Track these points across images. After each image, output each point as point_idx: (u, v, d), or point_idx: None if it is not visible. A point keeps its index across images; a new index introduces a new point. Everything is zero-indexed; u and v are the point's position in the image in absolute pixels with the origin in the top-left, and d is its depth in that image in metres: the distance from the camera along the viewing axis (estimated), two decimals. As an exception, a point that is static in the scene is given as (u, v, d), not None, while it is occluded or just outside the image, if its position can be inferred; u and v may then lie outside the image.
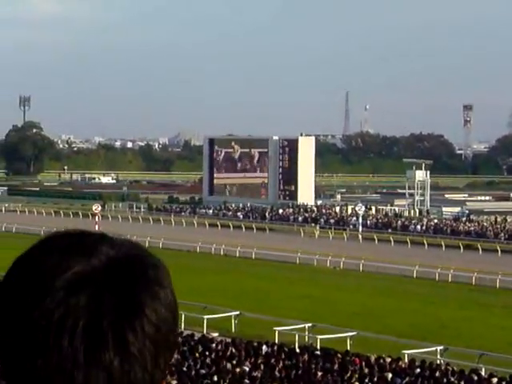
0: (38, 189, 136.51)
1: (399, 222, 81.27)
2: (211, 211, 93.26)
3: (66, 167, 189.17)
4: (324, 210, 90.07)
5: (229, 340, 26.74)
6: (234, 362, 23.17)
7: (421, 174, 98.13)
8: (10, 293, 1.20)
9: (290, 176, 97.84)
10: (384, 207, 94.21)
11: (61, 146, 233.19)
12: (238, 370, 22.12)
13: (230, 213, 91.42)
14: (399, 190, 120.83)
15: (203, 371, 21.79)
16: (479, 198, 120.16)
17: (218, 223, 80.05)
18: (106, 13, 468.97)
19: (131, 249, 1.25)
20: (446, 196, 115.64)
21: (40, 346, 1.17)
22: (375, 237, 70.82)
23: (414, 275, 50.00)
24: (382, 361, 23.95)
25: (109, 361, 1.16)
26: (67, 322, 1.16)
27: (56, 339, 1.16)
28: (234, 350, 24.82)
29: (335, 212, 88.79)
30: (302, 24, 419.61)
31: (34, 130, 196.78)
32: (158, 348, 1.20)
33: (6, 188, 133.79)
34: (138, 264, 1.23)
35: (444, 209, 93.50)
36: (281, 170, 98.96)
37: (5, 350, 1.20)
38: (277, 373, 22.23)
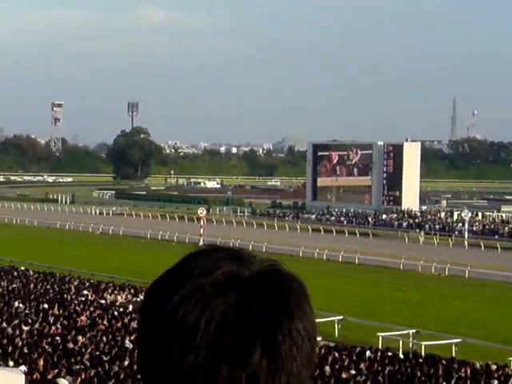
0: (144, 193, 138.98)
1: (506, 228, 79.62)
2: (314, 216, 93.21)
3: (172, 172, 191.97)
4: (429, 216, 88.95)
5: (332, 345, 26.71)
6: (337, 366, 23.13)
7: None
8: (158, 293, 1.23)
9: (394, 181, 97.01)
10: (491, 213, 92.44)
11: (167, 151, 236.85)
12: (342, 375, 22.07)
13: (333, 218, 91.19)
14: (506, 197, 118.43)
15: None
16: None
17: (321, 228, 79.92)
18: (206, 18, 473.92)
19: (275, 265, 1.27)
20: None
21: (187, 344, 1.17)
22: (481, 243, 69.57)
23: (522, 283, 48.90)
24: (487, 368, 23.54)
25: (257, 361, 1.16)
26: (216, 320, 1.17)
27: (209, 336, 1.17)
28: (336, 355, 24.78)
29: (440, 218, 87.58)
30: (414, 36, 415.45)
31: (142, 136, 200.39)
32: (302, 356, 1.19)
33: (113, 192, 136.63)
34: (285, 276, 1.24)
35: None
36: (385, 175, 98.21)
37: (149, 348, 1.21)
38: (380, 378, 22.09)
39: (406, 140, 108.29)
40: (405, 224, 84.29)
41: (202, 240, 64.25)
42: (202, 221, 67.38)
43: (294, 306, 1.21)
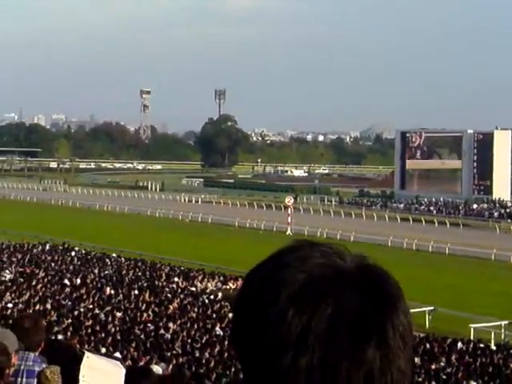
0: (232, 181, 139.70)
1: None
2: (402, 205, 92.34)
3: (259, 160, 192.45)
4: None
5: (422, 335, 26.46)
6: (427, 357, 22.92)
7: None
8: (260, 290, 1.21)
9: (484, 170, 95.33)
10: None
11: (254, 138, 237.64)
12: (432, 366, 21.86)
13: (423, 207, 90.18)
14: None
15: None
16: None
17: (410, 217, 79.10)
18: (295, 4, 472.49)
19: (362, 260, 1.24)
20: None
21: (300, 344, 1.15)
22: None
23: None
24: None
25: (372, 357, 1.15)
26: (335, 317, 1.15)
27: (322, 334, 1.15)
28: (427, 346, 24.55)
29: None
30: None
31: (229, 123, 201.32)
32: (407, 351, 1.18)
33: (202, 180, 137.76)
34: (383, 271, 1.23)
35: None
36: (475, 164, 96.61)
37: (254, 347, 1.19)
38: (472, 370, 21.80)
39: (496, 128, 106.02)
40: (496, 214, 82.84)
41: (289, 229, 64.32)
42: (289, 209, 67.41)
43: (397, 300, 1.20)
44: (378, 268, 1.23)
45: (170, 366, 19.13)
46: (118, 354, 20.30)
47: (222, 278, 37.09)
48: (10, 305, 27.53)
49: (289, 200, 70.46)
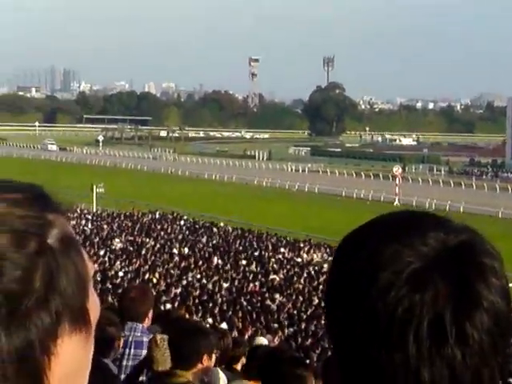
0: (339, 150, 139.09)
1: None
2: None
3: (367, 128, 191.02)
4: None
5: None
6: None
7: None
8: (348, 280, 1.17)
9: None
10: None
11: (363, 106, 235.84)
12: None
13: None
14: None
15: None
16: None
17: (522, 188, 77.27)
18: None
19: (464, 234, 1.18)
20: None
21: (384, 341, 1.12)
22: None
23: None
24: None
25: (452, 355, 1.11)
26: (412, 317, 1.11)
27: (401, 335, 1.11)
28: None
29: None
30: None
31: (337, 91, 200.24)
32: (495, 341, 1.13)
33: (309, 148, 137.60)
34: (473, 251, 1.16)
35: None
36: None
37: (343, 339, 1.16)
38: None
39: None
40: None
41: (397, 199, 63.71)
42: (397, 179, 66.74)
43: (484, 286, 1.14)
44: (470, 248, 1.16)
45: (276, 338, 19.25)
46: (224, 325, 20.60)
47: (328, 250, 37.09)
48: (120, 273, 28.21)
49: (397, 169, 69.73)
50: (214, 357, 4.66)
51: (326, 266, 33.39)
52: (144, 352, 5.31)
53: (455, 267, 1.14)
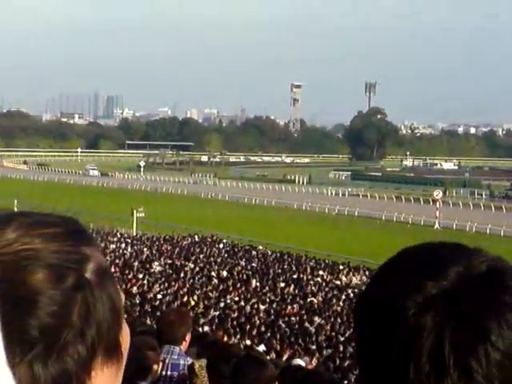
0: (380, 174, 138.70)
1: None
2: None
3: (408, 153, 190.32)
4: None
5: None
6: None
7: None
8: (371, 302, 1.19)
9: None
10: None
11: (404, 131, 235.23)
12: None
13: None
14: None
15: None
16: None
17: None
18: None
19: (488, 265, 1.18)
20: None
21: (394, 365, 1.15)
22: None
23: None
24: None
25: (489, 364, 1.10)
26: (413, 345, 1.13)
27: (403, 361, 1.14)
28: None
29: None
30: None
31: (379, 116, 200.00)
32: (506, 375, 1.12)
33: (349, 173, 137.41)
34: (493, 286, 1.15)
35: None
36: None
37: (366, 357, 1.19)
38: None
39: None
40: None
41: (437, 223, 63.36)
42: (437, 203, 66.38)
43: (495, 321, 1.13)
44: (491, 282, 1.16)
45: (314, 360, 19.22)
46: (262, 347, 20.60)
47: (367, 272, 36.97)
48: (159, 296, 28.35)
49: (437, 193, 69.42)
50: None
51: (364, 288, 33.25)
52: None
53: (468, 299, 1.14)
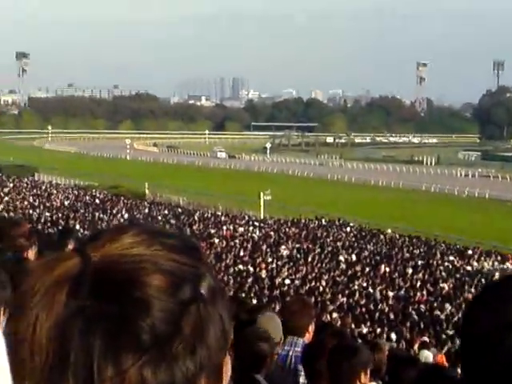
0: (511, 154, 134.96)
1: None
2: None
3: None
4: None
5: None
6: None
7: None
8: (477, 338, 1.21)
9: None
10: None
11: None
12: None
13: None
14: None
15: None
16: None
17: None
18: None
19: None
20: None
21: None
22: None
23: None
24: None
25: None
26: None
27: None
28: None
29: None
30: None
31: (508, 95, 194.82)
32: None
33: (479, 153, 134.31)
34: None
35: None
36: None
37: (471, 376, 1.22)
38: None
39: None
40: None
41: None
42: None
43: None
44: None
45: (444, 350, 18.75)
46: (393, 335, 20.29)
47: (498, 257, 36.02)
48: (287, 281, 28.33)
49: None
50: (368, 372, 4.55)
51: (497, 274, 32.40)
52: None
53: None
